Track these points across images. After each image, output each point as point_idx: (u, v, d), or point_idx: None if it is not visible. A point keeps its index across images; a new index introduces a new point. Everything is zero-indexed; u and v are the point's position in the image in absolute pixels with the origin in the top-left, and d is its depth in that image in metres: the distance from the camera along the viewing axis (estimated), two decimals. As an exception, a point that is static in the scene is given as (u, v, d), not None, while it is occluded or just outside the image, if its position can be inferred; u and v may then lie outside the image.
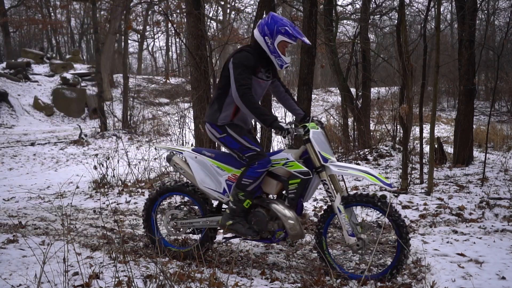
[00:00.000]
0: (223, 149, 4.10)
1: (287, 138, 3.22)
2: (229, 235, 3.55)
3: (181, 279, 2.74)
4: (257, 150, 3.32)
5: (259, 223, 3.31)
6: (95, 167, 6.64)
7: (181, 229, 3.66)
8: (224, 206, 3.65)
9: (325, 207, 5.07)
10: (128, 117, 14.37)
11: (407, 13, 12.08)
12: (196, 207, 3.72)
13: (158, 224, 3.78)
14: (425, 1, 16.85)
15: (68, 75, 20.33)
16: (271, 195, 3.46)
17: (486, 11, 17.09)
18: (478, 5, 8.30)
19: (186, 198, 3.93)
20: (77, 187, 6.65)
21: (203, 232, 3.59)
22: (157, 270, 2.65)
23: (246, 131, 3.43)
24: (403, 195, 5.33)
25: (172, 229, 3.68)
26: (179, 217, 3.65)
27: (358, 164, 7.82)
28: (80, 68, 22.69)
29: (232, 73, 3.27)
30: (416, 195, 5.38)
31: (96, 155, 10.10)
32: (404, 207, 4.89)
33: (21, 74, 20.32)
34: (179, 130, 7.74)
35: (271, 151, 7.54)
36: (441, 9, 10.68)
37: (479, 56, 7.45)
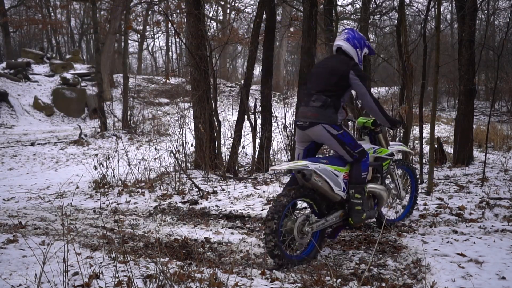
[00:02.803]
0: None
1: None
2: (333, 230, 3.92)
3: (181, 279, 2.74)
4: (362, 147, 3.80)
5: (370, 205, 3.94)
6: (95, 167, 6.64)
7: (307, 235, 3.56)
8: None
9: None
10: (128, 117, 14.37)
11: (407, 13, 12.07)
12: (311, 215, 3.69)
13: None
14: (425, 1, 16.84)
15: (68, 75, 20.32)
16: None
17: (486, 11, 17.10)
18: (478, 5, 8.30)
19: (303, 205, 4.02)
20: (77, 187, 6.65)
21: (317, 235, 3.66)
22: (157, 270, 2.65)
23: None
24: (403, 195, 5.32)
25: (299, 235, 3.54)
26: (312, 222, 3.56)
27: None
28: (80, 68, 22.69)
29: (361, 85, 3.75)
30: (416, 195, 5.37)
31: (96, 155, 10.10)
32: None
33: (21, 74, 20.32)
34: (179, 130, 7.74)
35: (270, 150, 7.57)
36: (441, 9, 10.67)
37: (479, 56, 7.44)
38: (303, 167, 3.52)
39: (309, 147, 3.84)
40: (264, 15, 7.61)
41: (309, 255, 3.57)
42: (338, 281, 3.03)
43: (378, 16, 12.90)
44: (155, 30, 33.18)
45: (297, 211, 3.60)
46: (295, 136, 4.41)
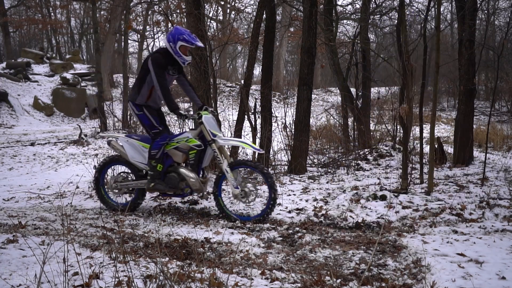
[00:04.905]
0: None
1: (185, 121, 5.25)
2: (154, 194, 5.47)
3: (181, 279, 2.74)
4: (160, 129, 4.80)
5: (173, 183, 4.79)
6: (95, 167, 6.63)
7: (121, 189, 5.14)
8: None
9: (324, 206, 5.08)
10: (128, 117, 14.35)
11: (407, 13, 12.07)
12: (131, 174, 5.15)
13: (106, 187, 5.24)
14: (425, 1, 16.85)
15: (68, 75, 20.32)
16: (181, 164, 4.86)
17: (486, 11, 17.10)
18: (478, 5, 8.28)
19: (125, 169, 5.26)
20: (77, 187, 6.65)
21: (136, 192, 5.11)
22: (157, 270, 2.65)
23: (156, 113, 4.89)
24: (403, 195, 5.33)
25: (115, 189, 5.15)
26: (119, 180, 5.15)
27: (358, 164, 7.83)
28: (80, 68, 22.69)
29: (152, 69, 4.60)
30: (416, 195, 5.37)
31: (96, 155, 10.10)
32: (404, 207, 4.89)
33: (21, 74, 20.33)
34: (179, 130, 7.74)
35: (270, 150, 7.58)
36: (441, 9, 10.68)
37: (479, 56, 7.44)
38: (114, 137, 5.26)
39: None
40: (264, 15, 7.61)
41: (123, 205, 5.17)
42: (338, 281, 3.03)
43: (378, 16, 12.91)
44: (155, 30, 33.17)
45: None
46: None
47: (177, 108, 4.63)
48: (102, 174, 5.24)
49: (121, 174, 5.25)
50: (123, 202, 5.27)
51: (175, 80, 5.06)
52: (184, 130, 6.81)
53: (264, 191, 5.19)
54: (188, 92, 5.10)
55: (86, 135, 13.09)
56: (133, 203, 5.10)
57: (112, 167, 5.64)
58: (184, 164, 4.90)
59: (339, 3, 20.33)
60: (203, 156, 4.80)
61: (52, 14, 31.44)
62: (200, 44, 4.72)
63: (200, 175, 4.87)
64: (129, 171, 5.17)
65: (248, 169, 5.48)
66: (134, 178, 5.10)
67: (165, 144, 4.77)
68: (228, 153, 4.86)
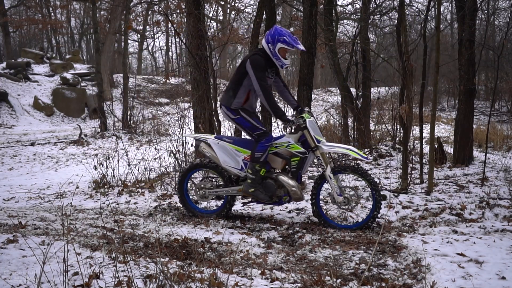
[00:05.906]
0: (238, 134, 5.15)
1: (291, 127, 4.48)
2: (245, 200, 4.82)
3: (181, 279, 2.74)
4: (264, 130, 4.42)
5: (270, 190, 4.42)
6: (95, 167, 6.63)
7: (208, 197, 4.79)
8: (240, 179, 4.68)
9: (324, 206, 5.08)
10: (128, 117, 14.37)
11: (407, 13, 12.07)
12: (220, 180, 4.79)
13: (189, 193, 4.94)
14: (425, 1, 16.86)
15: (68, 75, 20.33)
16: (277, 170, 4.51)
17: (486, 11, 17.12)
18: (478, 5, 8.28)
19: (211, 174, 5.01)
20: (77, 187, 6.65)
21: (225, 200, 4.75)
22: (157, 270, 2.65)
23: (254, 114, 4.48)
24: (403, 195, 5.33)
25: (202, 197, 4.81)
26: (207, 187, 4.80)
27: (358, 164, 7.83)
28: (80, 68, 22.69)
29: (252, 73, 4.26)
30: (416, 195, 5.37)
31: (96, 155, 10.11)
32: (404, 207, 4.89)
33: (21, 74, 20.33)
34: (179, 130, 7.75)
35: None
36: (441, 9, 10.68)
37: (479, 56, 7.44)
38: (203, 139, 4.78)
39: None
40: (264, 15, 7.61)
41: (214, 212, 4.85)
42: (338, 281, 3.03)
43: (378, 16, 12.91)
44: (155, 30, 33.19)
45: None
46: None
47: (284, 113, 4.31)
48: (185, 180, 4.90)
49: (209, 180, 4.90)
50: (205, 209, 5.03)
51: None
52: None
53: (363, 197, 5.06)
54: (283, 92, 4.71)
55: (86, 135, 13.09)
56: (222, 210, 4.79)
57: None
58: (281, 170, 4.53)
59: (339, 3, 20.34)
60: (304, 162, 4.41)
61: (52, 14, 31.44)
62: (301, 47, 4.36)
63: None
64: (217, 177, 4.82)
65: (348, 174, 4.94)
66: (223, 184, 4.74)
67: (270, 146, 4.39)
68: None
